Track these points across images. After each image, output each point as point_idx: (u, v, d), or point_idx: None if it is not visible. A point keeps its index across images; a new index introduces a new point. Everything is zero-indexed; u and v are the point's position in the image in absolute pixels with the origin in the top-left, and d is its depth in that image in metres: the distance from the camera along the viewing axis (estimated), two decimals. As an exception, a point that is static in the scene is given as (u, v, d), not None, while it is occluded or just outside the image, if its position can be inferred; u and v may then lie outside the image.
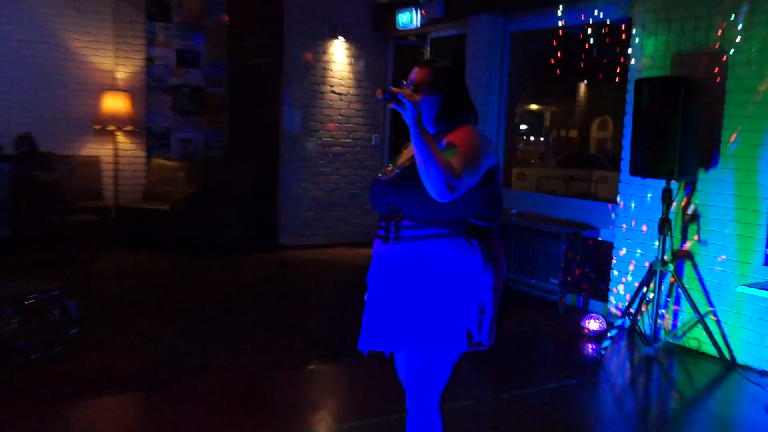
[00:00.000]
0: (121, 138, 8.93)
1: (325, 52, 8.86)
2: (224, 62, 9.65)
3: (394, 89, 2.31)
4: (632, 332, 5.55)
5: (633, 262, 5.82)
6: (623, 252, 5.91)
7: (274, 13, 8.69)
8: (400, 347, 2.51)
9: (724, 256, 5.18)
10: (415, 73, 2.60)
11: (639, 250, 5.77)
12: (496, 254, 2.52)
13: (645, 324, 5.42)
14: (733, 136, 5.12)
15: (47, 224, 7.20)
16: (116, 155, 8.87)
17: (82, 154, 8.70)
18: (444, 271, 2.44)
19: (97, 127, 8.68)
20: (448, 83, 2.57)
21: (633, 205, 5.82)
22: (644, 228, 5.73)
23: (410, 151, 2.57)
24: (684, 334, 5.41)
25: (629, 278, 5.85)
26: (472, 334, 2.47)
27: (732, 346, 5.14)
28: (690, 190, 5.38)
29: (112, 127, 8.67)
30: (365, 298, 2.65)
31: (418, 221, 2.45)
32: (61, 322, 4.84)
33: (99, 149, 8.83)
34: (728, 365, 5.04)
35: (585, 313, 6.08)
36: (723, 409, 4.44)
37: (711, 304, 5.25)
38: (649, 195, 5.70)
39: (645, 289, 5.27)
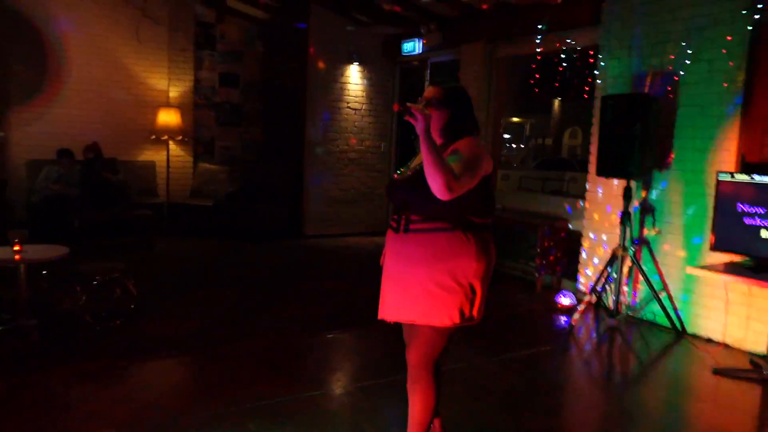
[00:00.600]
0: (172, 146, 8.94)
1: (342, 74, 8.84)
2: (259, 83, 9.65)
3: (409, 105, 2.31)
4: (598, 306, 5.52)
5: (598, 248, 5.78)
6: (590, 240, 5.87)
7: (300, 43, 8.68)
8: (406, 319, 2.52)
9: (675, 243, 5.13)
10: (428, 90, 2.59)
11: (603, 238, 5.73)
12: (488, 246, 2.53)
13: (608, 300, 5.39)
14: (682, 143, 5.07)
15: (111, 217, 7.21)
16: (169, 160, 8.88)
17: (140, 159, 8.71)
18: (444, 258, 2.44)
19: (153, 137, 8.69)
20: (455, 100, 2.56)
21: (598, 200, 5.77)
22: (608, 219, 5.69)
23: (421, 155, 2.55)
24: (642, 308, 5.37)
25: (595, 261, 5.81)
26: (465, 311, 2.48)
27: (683, 319, 5.10)
28: (647, 187, 5.33)
29: (165, 137, 8.69)
30: (382, 275, 2.66)
31: (424, 216, 2.45)
32: (122, 299, 4.85)
33: (154, 155, 8.85)
34: (679, 334, 5.00)
35: (558, 290, 6.05)
36: (675, 369, 4.40)
37: (664, 283, 5.21)
38: (612, 192, 5.65)
39: (609, 270, 5.23)
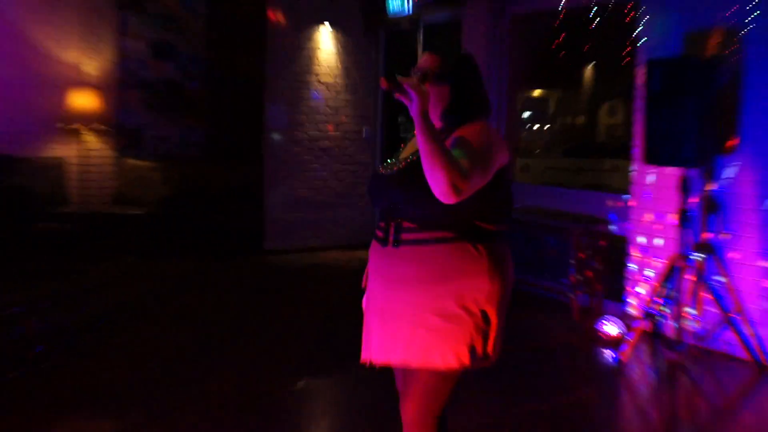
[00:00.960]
0: (88, 137, 8.83)
1: (310, 41, 8.80)
2: (203, 55, 9.59)
3: (401, 79, 2.34)
4: (654, 336, 5.50)
5: (651, 257, 5.75)
6: (639, 247, 5.84)
7: (256, 2, 8.63)
8: (399, 361, 2.52)
9: (751, 249, 5.12)
10: (424, 59, 2.61)
11: (657, 245, 5.70)
12: (504, 261, 2.53)
13: (667, 326, 5.35)
14: (755, 119, 5.06)
15: (4, 234, 7.10)
16: (82, 156, 8.77)
17: (44, 156, 8.58)
18: (447, 279, 2.45)
19: (62, 126, 8.58)
20: (458, 72, 2.59)
21: (648, 195, 5.75)
22: (661, 220, 5.67)
23: (415, 143, 2.57)
24: (711, 336, 5.33)
25: (648, 276, 5.77)
26: (477, 348, 2.47)
27: (765, 348, 5.07)
28: (709, 177, 5.30)
29: (77, 126, 8.58)
30: (363, 305, 2.70)
31: (420, 223, 2.46)
32: (23, 341, 4.75)
33: (64, 150, 8.71)
34: (763, 369, 4.98)
35: (600, 315, 6.02)
36: (760, 420, 4.35)
37: (739, 303, 5.18)
38: (664, 184, 5.63)
39: (665, 286, 5.20)
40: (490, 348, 2.50)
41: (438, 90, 2.55)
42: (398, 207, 2.50)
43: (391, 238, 2.52)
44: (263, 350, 5.15)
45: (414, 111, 2.31)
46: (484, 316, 2.47)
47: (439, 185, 2.26)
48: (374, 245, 2.61)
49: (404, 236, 2.49)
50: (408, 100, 2.32)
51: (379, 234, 2.57)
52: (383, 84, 2.33)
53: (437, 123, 2.57)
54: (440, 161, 2.25)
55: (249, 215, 8.69)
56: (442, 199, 2.29)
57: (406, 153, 2.63)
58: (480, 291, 2.45)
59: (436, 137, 2.29)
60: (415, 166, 2.44)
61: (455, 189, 2.25)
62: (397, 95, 2.34)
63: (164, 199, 8.47)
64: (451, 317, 2.44)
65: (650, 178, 5.75)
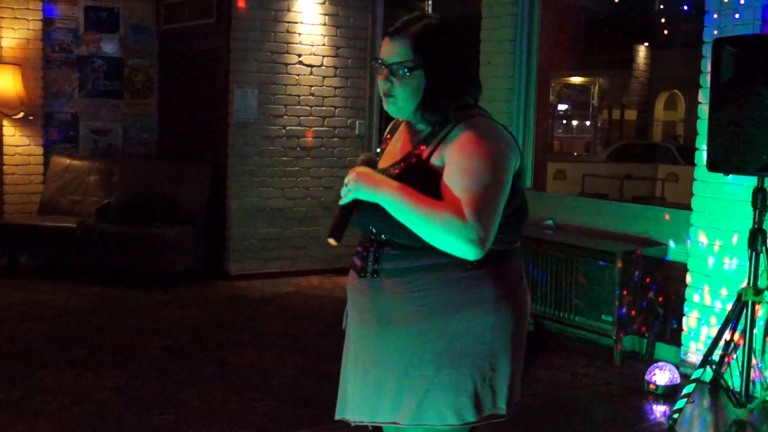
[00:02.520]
0: (8, 128, 8.85)
1: (288, 10, 8.82)
2: (151, 25, 9.61)
3: (336, 219, 2.47)
4: (716, 388, 5.49)
5: (716, 290, 5.76)
6: (701, 277, 5.85)
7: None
8: (384, 419, 2.53)
9: (840, 281, 5.12)
10: (384, 48, 2.53)
11: (721, 273, 5.71)
12: (515, 286, 2.53)
13: (734, 376, 5.36)
14: None
15: None
16: (2, 153, 8.79)
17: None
18: (441, 315, 2.45)
19: (-24, 115, 8.61)
20: (433, 54, 2.48)
21: (713, 211, 5.77)
22: (730, 243, 5.68)
23: (396, 146, 2.58)
24: (787, 389, 5.34)
25: (711, 313, 5.79)
26: (482, 400, 2.47)
27: None
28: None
29: (-4, 115, 8.61)
30: (343, 351, 2.71)
31: (405, 248, 2.47)
32: None
33: (-21, 145, 8.77)
34: None
35: (651, 361, 6.02)
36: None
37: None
38: (734, 197, 5.65)
39: (732, 327, 5.20)
40: (500, 399, 2.49)
41: (409, 82, 2.48)
42: (377, 230, 2.52)
43: (369, 268, 2.54)
44: (216, 407, 5.10)
45: (366, 196, 2.40)
46: (492, 358, 2.47)
47: (455, 250, 2.29)
48: (352, 276, 2.63)
49: (385, 265, 2.50)
50: (356, 191, 2.42)
51: (357, 262, 2.59)
52: (332, 243, 2.45)
53: (420, 129, 2.55)
54: (439, 224, 2.29)
55: (208, 230, 8.69)
56: (468, 259, 2.32)
57: (386, 159, 2.61)
58: (483, 326, 2.45)
59: (415, 201, 2.32)
60: (398, 177, 2.44)
61: (475, 244, 2.27)
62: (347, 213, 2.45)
63: (103, 209, 8.47)
64: (447, 363, 2.44)
65: (717, 190, 5.77)
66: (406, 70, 2.46)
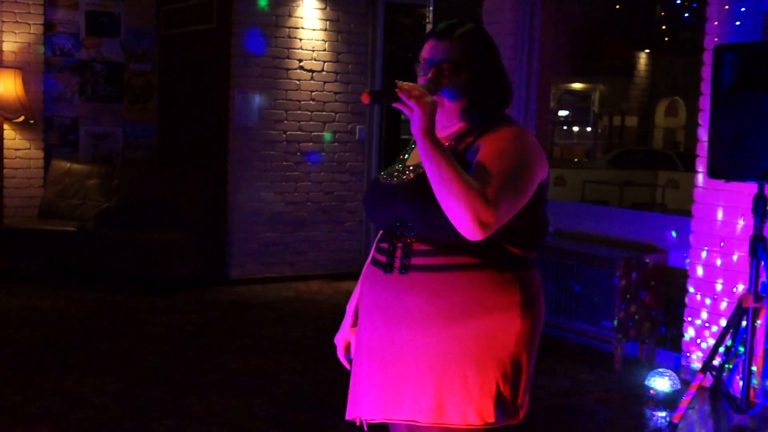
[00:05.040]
0: (8, 132, 8.86)
1: (290, 16, 8.84)
2: (152, 29, 9.62)
3: (401, 85, 2.33)
4: (716, 394, 5.48)
5: (716, 296, 5.76)
6: (702, 283, 5.85)
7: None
8: (403, 416, 2.53)
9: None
10: (431, 49, 2.59)
11: (722, 280, 5.72)
12: (537, 295, 2.56)
13: (733, 382, 5.36)
14: None
15: None
16: (2, 156, 8.80)
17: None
18: (469, 316, 2.46)
19: (-24, 119, 8.62)
20: (478, 58, 2.58)
21: (714, 218, 5.78)
22: (730, 250, 5.68)
23: None
24: (787, 395, 5.34)
25: (712, 319, 5.80)
26: (503, 402, 2.49)
27: None
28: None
29: (-4, 119, 8.61)
30: (353, 350, 2.73)
31: (436, 245, 2.48)
32: None
33: (-21, 149, 8.77)
34: None
35: (651, 367, 6.01)
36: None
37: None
38: (735, 204, 5.65)
39: (733, 333, 5.21)
40: (519, 400, 2.52)
41: (455, 83, 2.55)
42: (407, 225, 2.52)
43: (397, 263, 2.53)
44: (216, 413, 5.11)
45: (416, 128, 2.33)
46: (514, 362, 2.49)
47: (460, 221, 2.30)
48: (372, 272, 2.62)
49: (415, 261, 2.50)
50: (409, 112, 2.33)
51: (381, 258, 2.57)
52: (365, 98, 2.34)
53: (457, 124, 2.60)
54: (457, 191, 2.29)
55: (208, 235, 8.70)
56: (466, 236, 2.33)
57: (416, 157, 2.62)
58: (509, 331, 2.47)
59: (447, 161, 2.32)
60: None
61: (480, 224, 2.29)
62: (394, 104, 2.35)
63: (103, 213, 8.48)
64: (473, 363, 2.46)
65: (717, 197, 5.78)
66: (454, 66, 2.54)
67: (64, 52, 9.21)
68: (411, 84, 2.36)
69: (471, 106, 2.56)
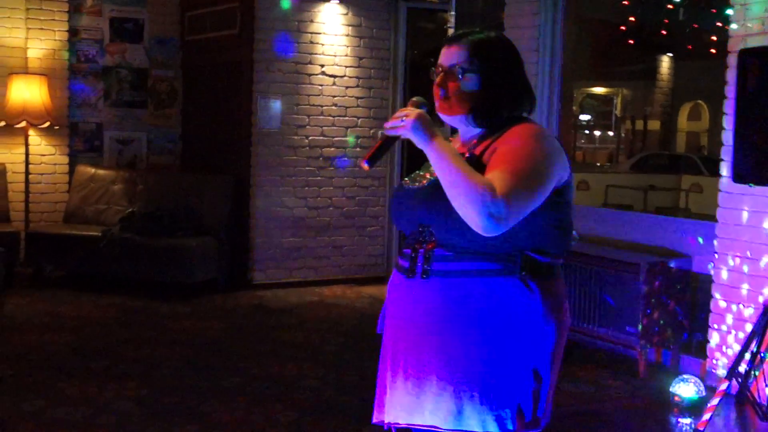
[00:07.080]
0: (34, 138, 8.90)
1: (312, 21, 8.86)
2: (176, 37, 9.67)
3: (384, 126, 2.49)
4: (742, 401, 5.45)
5: (742, 302, 5.72)
6: (727, 289, 5.81)
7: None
8: (424, 421, 2.54)
9: None
10: (443, 55, 2.65)
11: (747, 285, 5.68)
12: (561, 302, 2.57)
13: (759, 389, 5.31)
14: None
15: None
16: (28, 162, 8.84)
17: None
18: (490, 322, 2.47)
19: (2, 123, 8.66)
20: (491, 62, 2.61)
21: (739, 223, 5.74)
22: (756, 255, 5.65)
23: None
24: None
25: (737, 325, 5.75)
26: (524, 411, 2.49)
27: None
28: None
29: (22, 124, 8.65)
30: (381, 353, 2.73)
31: (457, 251, 2.49)
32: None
33: (4, 154, 8.82)
34: None
35: (675, 374, 5.98)
36: None
37: None
38: (760, 209, 5.62)
39: (759, 339, 5.16)
40: (538, 411, 2.51)
41: (467, 87, 2.59)
42: (429, 230, 2.52)
43: (419, 268, 2.54)
44: (239, 419, 5.12)
45: (414, 139, 2.42)
46: (536, 371, 2.49)
47: (469, 216, 2.31)
48: (396, 277, 2.63)
49: (436, 266, 2.51)
50: (403, 131, 2.44)
51: (404, 263, 2.59)
52: (365, 166, 2.50)
53: (475, 130, 2.62)
54: (463, 186, 2.30)
55: (231, 240, 8.71)
56: (479, 231, 2.33)
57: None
58: (531, 337, 2.48)
59: (453, 160, 2.35)
60: None
61: (491, 218, 2.28)
62: (392, 136, 2.49)
63: (127, 219, 8.51)
64: (494, 370, 2.46)
65: (742, 201, 5.74)
66: (461, 71, 2.57)
67: (89, 58, 9.27)
68: (391, 119, 2.49)
69: (484, 110, 2.59)
